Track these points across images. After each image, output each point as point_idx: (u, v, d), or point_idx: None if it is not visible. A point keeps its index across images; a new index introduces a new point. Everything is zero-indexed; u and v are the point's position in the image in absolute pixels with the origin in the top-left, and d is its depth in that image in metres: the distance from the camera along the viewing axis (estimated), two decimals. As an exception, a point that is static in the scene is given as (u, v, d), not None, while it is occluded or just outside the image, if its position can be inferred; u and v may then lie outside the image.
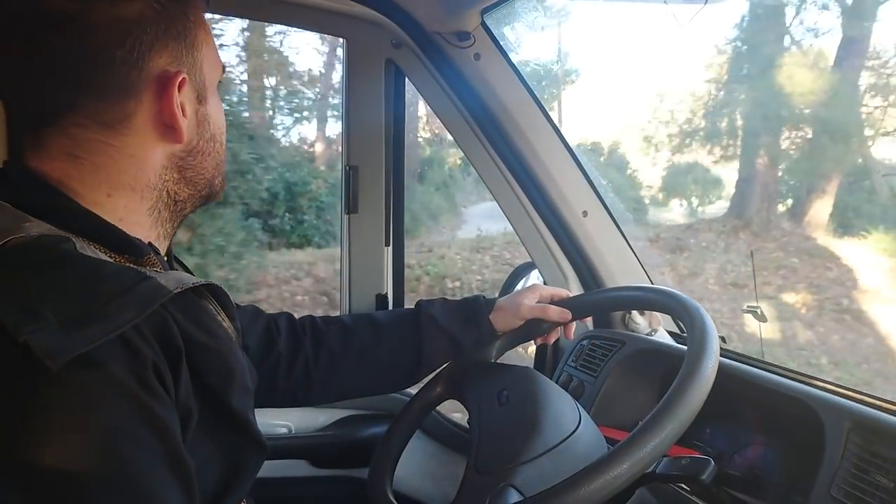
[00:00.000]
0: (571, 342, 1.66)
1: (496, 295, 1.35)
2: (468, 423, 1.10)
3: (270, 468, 1.60)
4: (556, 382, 1.58)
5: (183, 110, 0.78)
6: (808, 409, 1.05)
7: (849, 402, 1.03)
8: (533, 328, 1.27)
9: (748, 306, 1.66)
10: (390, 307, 1.69)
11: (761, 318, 1.64)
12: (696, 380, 0.87)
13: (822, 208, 8.89)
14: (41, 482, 0.56)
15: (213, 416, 0.75)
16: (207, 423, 0.73)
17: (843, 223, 8.91)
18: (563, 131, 1.63)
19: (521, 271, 2.12)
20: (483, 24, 1.53)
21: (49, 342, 0.57)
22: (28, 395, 0.57)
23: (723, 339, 1.63)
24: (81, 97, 0.73)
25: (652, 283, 1.75)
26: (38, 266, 0.65)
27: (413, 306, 1.27)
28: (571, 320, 1.27)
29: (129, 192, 0.78)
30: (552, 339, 1.31)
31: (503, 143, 1.60)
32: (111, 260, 0.73)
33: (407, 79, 1.64)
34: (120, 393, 0.61)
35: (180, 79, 0.77)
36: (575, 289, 1.72)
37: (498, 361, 1.30)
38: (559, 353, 1.74)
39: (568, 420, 1.02)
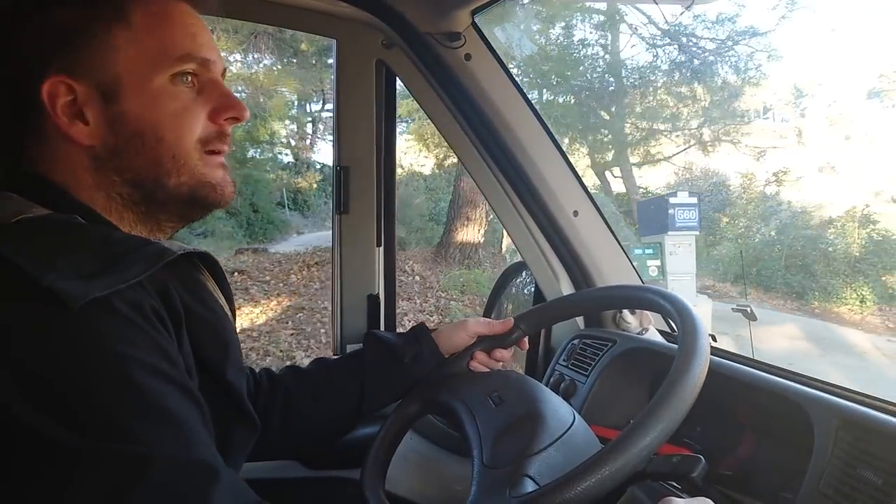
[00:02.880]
0: (563, 341, 1.67)
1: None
2: (462, 428, 1.10)
3: (263, 469, 1.60)
4: (548, 381, 1.60)
5: (83, 114, 0.80)
6: (797, 407, 1.05)
7: (838, 399, 1.04)
8: (497, 340, 1.26)
9: (738, 305, 1.67)
10: (382, 307, 1.69)
11: (751, 316, 1.65)
12: (686, 378, 0.87)
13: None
14: (64, 403, 0.61)
15: (208, 388, 0.77)
16: (203, 395, 0.74)
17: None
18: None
19: (512, 271, 2.13)
20: (474, 24, 1.53)
21: (69, 287, 0.63)
22: (50, 331, 0.62)
23: (713, 337, 1.64)
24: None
25: (642, 282, 1.76)
26: (52, 231, 0.72)
27: None
28: (563, 319, 1.27)
29: (92, 193, 0.83)
30: (525, 347, 1.31)
31: (494, 143, 1.61)
32: None
33: (398, 79, 1.64)
34: (128, 325, 0.66)
35: (59, 86, 0.79)
36: (566, 288, 1.73)
37: None
38: (551, 353, 1.74)
39: (565, 412, 1.03)
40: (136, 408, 0.63)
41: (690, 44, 12.63)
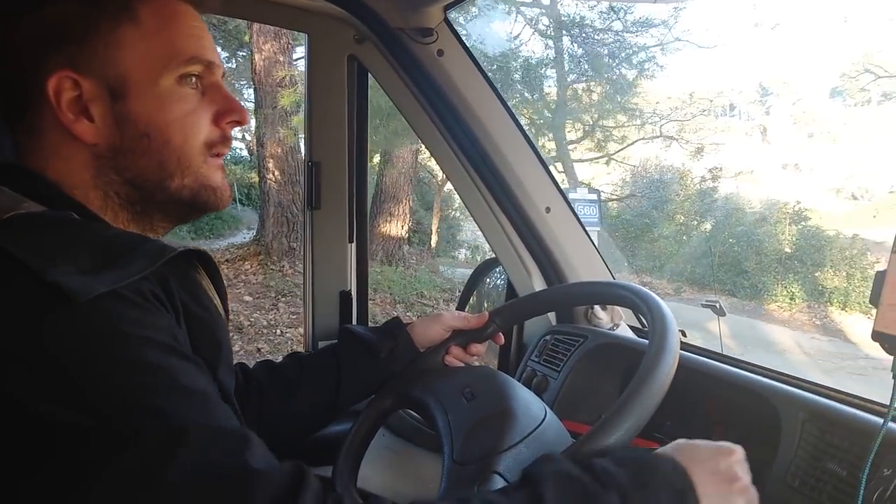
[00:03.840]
0: (535, 337, 1.68)
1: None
2: (434, 423, 1.10)
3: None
4: (521, 377, 1.60)
5: (88, 111, 0.79)
6: (764, 401, 1.07)
7: (804, 393, 1.05)
8: (473, 335, 1.26)
9: (707, 300, 1.69)
10: (354, 304, 1.69)
11: (720, 312, 1.67)
12: (656, 373, 0.88)
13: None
14: (85, 394, 0.61)
15: None
16: None
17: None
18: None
19: (484, 268, 2.13)
20: (446, 20, 1.53)
21: (73, 283, 0.63)
22: (59, 325, 0.63)
23: (682, 332, 1.66)
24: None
25: (613, 279, 1.78)
26: (50, 229, 0.72)
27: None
28: (537, 314, 1.28)
29: (88, 190, 0.82)
30: (500, 341, 1.31)
31: (467, 139, 1.61)
32: None
33: (370, 74, 1.63)
34: (135, 308, 0.67)
35: (65, 81, 0.78)
36: (538, 284, 1.74)
37: None
38: (523, 349, 1.75)
39: (536, 409, 1.04)
40: (159, 386, 0.64)
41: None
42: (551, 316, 1.76)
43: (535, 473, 0.74)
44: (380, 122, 7.74)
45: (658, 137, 15.04)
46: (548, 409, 1.06)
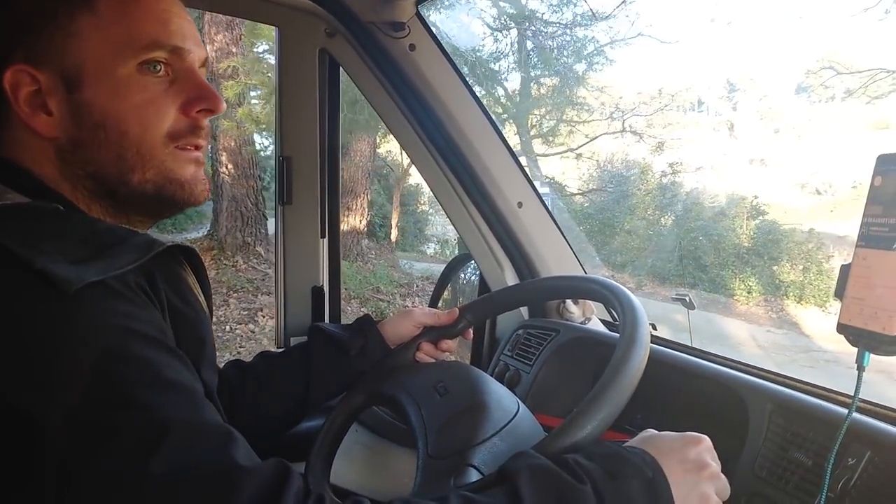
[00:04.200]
0: (507, 332, 1.69)
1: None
2: (407, 419, 1.10)
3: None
4: (493, 371, 1.61)
5: (46, 105, 0.78)
6: (733, 393, 1.09)
7: (771, 385, 1.07)
8: (443, 331, 1.25)
9: (678, 294, 1.71)
10: (326, 300, 1.68)
11: (689, 305, 1.69)
12: (627, 367, 0.89)
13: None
14: (69, 385, 0.60)
15: None
16: None
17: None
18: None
19: (457, 263, 2.14)
20: (418, 14, 1.52)
21: (62, 271, 0.63)
22: (46, 313, 0.62)
23: (653, 326, 1.68)
24: None
25: (584, 271, 1.79)
26: (37, 219, 0.71)
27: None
28: (508, 309, 1.28)
29: (59, 184, 0.81)
30: (469, 337, 1.31)
31: (439, 134, 1.61)
32: None
33: (341, 68, 1.62)
34: (122, 300, 0.67)
35: (22, 75, 0.77)
36: (510, 278, 1.74)
37: None
38: (496, 344, 1.76)
39: (509, 402, 1.04)
40: (143, 378, 0.63)
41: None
42: (524, 310, 1.77)
43: (511, 469, 0.75)
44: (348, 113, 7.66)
45: (621, 132, 15.19)
46: (520, 402, 1.06)
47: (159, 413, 0.62)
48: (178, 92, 0.83)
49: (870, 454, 0.86)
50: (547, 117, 14.85)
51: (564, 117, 14.89)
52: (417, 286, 9.74)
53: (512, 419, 1.00)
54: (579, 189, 15.79)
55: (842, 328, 0.82)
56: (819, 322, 9.62)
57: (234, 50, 8.67)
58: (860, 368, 0.79)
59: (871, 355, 0.79)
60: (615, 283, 1.10)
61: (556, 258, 1.72)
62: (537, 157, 15.11)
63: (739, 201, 13.37)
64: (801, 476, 0.92)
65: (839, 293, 0.83)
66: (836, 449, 0.80)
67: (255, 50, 8.88)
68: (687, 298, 1.69)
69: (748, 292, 11.15)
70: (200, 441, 0.63)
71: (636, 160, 15.29)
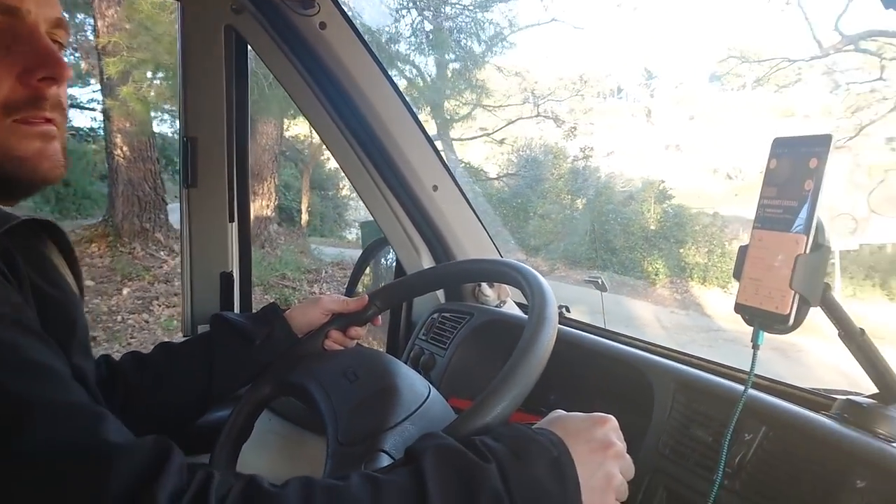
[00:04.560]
0: (423, 315, 1.68)
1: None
2: (317, 408, 1.07)
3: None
4: (408, 356, 1.60)
5: None
6: (640, 373, 1.11)
7: (675, 364, 1.10)
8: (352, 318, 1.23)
9: (590, 277, 1.73)
10: (236, 286, 1.63)
11: (601, 287, 1.72)
12: (535, 348, 0.89)
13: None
14: None
15: None
16: None
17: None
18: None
19: (375, 247, 2.11)
20: (329, -9, 1.48)
21: None
22: None
23: (566, 308, 1.70)
24: None
25: (500, 253, 1.80)
26: None
27: None
28: (417, 294, 1.27)
29: None
30: (378, 323, 1.30)
31: (352, 116, 1.57)
32: None
33: (249, 47, 1.56)
34: None
35: None
36: (427, 263, 1.73)
37: None
38: (412, 328, 1.75)
39: (420, 386, 1.03)
40: (2, 360, 0.59)
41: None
42: (440, 294, 1.77)
43: (416, 449, 0.74)
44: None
45: (537, 117, 15.42)
46: (431, 386, 1.06)
47: (20, 393, 0.58)
48: (14, 59, 0.74)
49: (765, 429, 0.89)
50: (463, 101, 14.92)
51: (481, 101, 15.04)
52: (327, 272, 9.56)
53: (423, 403, 0.99)
54: (497, 174, 15.97)
55: (739, 308, 0.84)
56: (720, 302, 10.06)
57: (128, 27, 8.14)
58: (755, 347, 0.82)
59: (766, 334, 0.82)
60: (525, 265, 1.10)
61: (472, 242, 1.72)
62: (453, 142, 15.18)
63: (648, 186, 13.81)
64: (701, 453, 0.94)
65: (737, 274, 0.86)
66: (732, 426, 0.83)
67: (147, 25, 8.38)
68: (599, 281, 1.73)
69: (655, 274, 11.54)
70: (68, 420, 0.59)
71: (552, 145, 15.57)
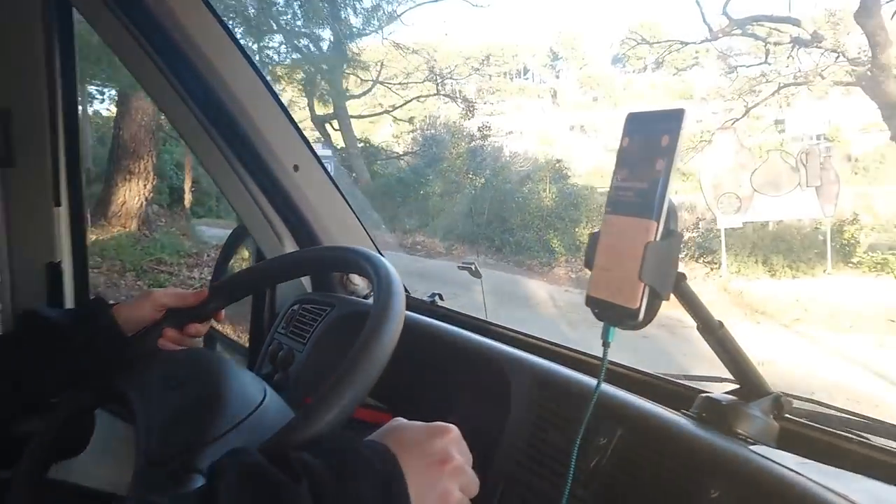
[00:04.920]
0: (283, 307, 1.55)
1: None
2: (135, 420, 0.94)
3: None
4: (266, 351, 1.47)
5: None
6: (498, 368, 1.03)
7: (533, 357, 1.02)
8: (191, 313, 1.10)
9: (463, 262, 1.64)
10: (66, 277, 1.45)
11: (475, 273, 1.63)
12: (373, 349, 0.80)
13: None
14: None
15: None
16: None
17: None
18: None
19: (242, 233, 1.95)
20: (166, -54, 1.32)
21: None
22: None
23: (439, 296, 1.61)
24: None
25: (370, 237, 1.69)
26: None
27: None
28: (260, 289, 1.14)
29: None
30: (221, 319, 1.16)
31: (199, 89, 1.42)
32: None
33: (74, 9, 1.37)
34: None
35: None
36: (290, 249, 1.61)
37: None
38: (274, 320, 1.62)
39: (254, 391, 0.92)
40: None
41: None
42: (306, 283, 1.65)
43: (218, 468, 0.64)
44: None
45: (436, 95, 15.37)
46: (269, 389, 0.95)
47: None
48: None
49: (621, 432, 0.82)
50: (362, 77, 14.72)
51: (380, 78, 14.88)
52: (209, 256, 9.13)
53: (255, 410, 0.88)
54: (397, 153, 15.86)
55: (590, 301, 0.76)
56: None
57: None
58: (605, 345, 0.74)
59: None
60: (373, 252, 1.01)
61: (339, 225, 1.61)
62: (350, 119, 14.94)
63: (544, 165, 14.03)
64: (555, 458, 0.86)
65: (588, 263, 0.78)
66: (583, 429, 0.75)
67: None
68: (473, 267, 1.63)
69: (550, 253, 11.73)
70: None
71: (451, 124, 15.58)
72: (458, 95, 15.94)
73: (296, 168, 1.52)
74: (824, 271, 10.09)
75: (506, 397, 0.99)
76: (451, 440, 0.73)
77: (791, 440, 0.82)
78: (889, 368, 6.42)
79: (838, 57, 11.96)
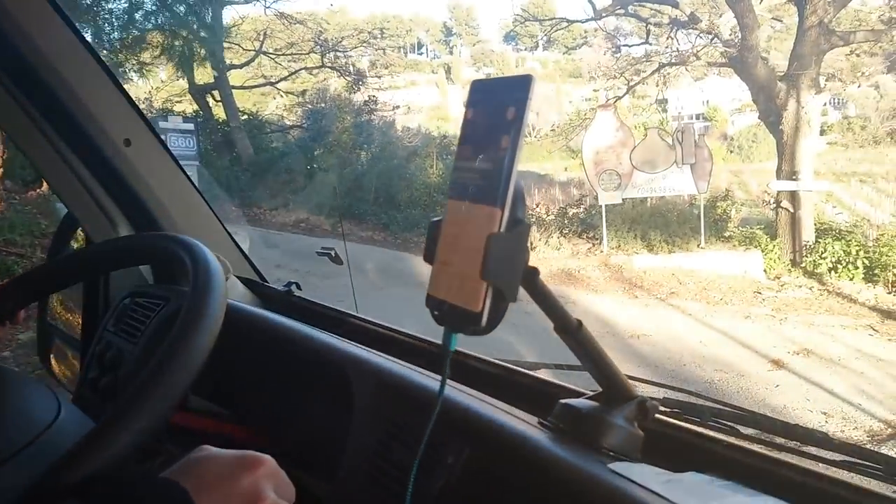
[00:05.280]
0: (114, 302, 1.37)
1: None
2: None
3: None
4: (93, 351, 1.30)
5: None
6: (341, 372, 0.91)
7: (377, 358, 0.91)
8: None
9: (322, 248, 1.50)
10: None
11: (336, 260, 1.50)
12: (178, 359, 0.68)
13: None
14: None
15: None
16: None
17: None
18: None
19: (70, 222, 1.72)
20: None
21: None
22: None
23: (297, 285, 1.48)
24: None
25: (218, 217, 1.53)
26: None
27: None
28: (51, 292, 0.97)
29: None
30: (20, 320, 0.99)
31: (5, 51, 1.20)
32: None
33: None
34: None
35: None
36: (125, 232, 1.43)
37: None
38: (107, 315, 1.43)
39: (43, 410, 0.78)
40: None
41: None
42: (146, 272, 1.47)
43: None
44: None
45: (321, 68, 14.99)
46: (65, 405, 0.81)
47: None
48: None
49: (469, 450, 0.72)
50: (244, 47, 14.13)
51: (267, 49, 14.32)
52: None
53: (41, 434, 0.74)
54: (281, 126, 15.34)
55: (430, 301, 0.65)
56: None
57: None
58: (445, 353, 0.63)
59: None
60: (192, 240, 0.87)
61: (179, 204, 1.44)
62: (232, 90, 14.33)
63: (431, 141, 13.96)
64: (399, 478, 0.75)
65: (429, 257, 0.67)
66: (421, 449, 0.64)
67: None
68: (332, 253, 1.49)
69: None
70: None
71: (340, 98, 15.24)
72: (345, 68, 15.56)
73: (127, 142, 1.34)
74: (698, 246, 10.57)
75: (349, 403, 0.88)
76: (264, 474, 0.61)
77: (658, 443, 0.75)
78: (752, 338, 6.78)
79: (713, 38, 12.46)
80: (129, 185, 1.38)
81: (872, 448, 0.92)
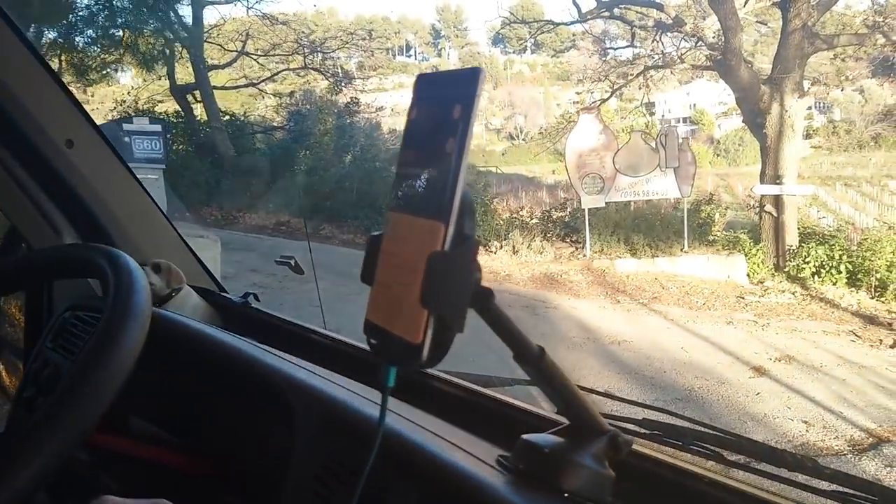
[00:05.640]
0: (53, 316, 1.28)
1: None
2: None
3: None
4: (30, 369, 1.21)
5: None
6: (281, 394, 0.82)
7: (320, 382, 0.83)
8: None
9: (282, 257, 1.42)
10: None
11: (297, 269, 1.41)
12: (87, 390, 0.63)
13: None
14: None
15: None
16: None
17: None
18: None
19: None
20: None
21: None
22: None
23: (255, 296, 1.40)
24: None
25: (173, 227, 1.44)
26: None
27: None
28: None
29: None
30: None
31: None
32: None
33: None
34: None
35: None
36: (70, 241, 1.34)
37: None
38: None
39: None
40: None
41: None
42: (95, 283, 1.38)
43: None
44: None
45: (305, 69, 14.88)
46: None
47: None
48: None
49: (416, 495, 0.64)
50: (226, 48, 14.01)
51: (250, 49, 14.19)
52: None
53: None
54: (262, 128, 15.20)
55: (367, 328, 0.56)
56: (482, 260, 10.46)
57: None
58: (384, 390, 0.54)
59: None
60: (115, 251, 0.79)
61: (126, 205, 1.35)
62: (214, 91, 14.18)
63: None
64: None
65: (366, 277, 0.58)
66: (360, 486, 0.56)
67: None
68: (293, 262, 1.41)
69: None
70: None
71: (322, 100, 15.12)
72: (327, 69, 15.44)
73: (69, 144, 1.26)
74: (682, 250, 10.54)
75: (290, 431, 0.80)
76: None
77: (633, 480, 0.67)
78: (734, 344, 6.74)
79: (698, 41, 12.46)
80: (73, 190, 1.29)
81: (868, 479, 0.85)
